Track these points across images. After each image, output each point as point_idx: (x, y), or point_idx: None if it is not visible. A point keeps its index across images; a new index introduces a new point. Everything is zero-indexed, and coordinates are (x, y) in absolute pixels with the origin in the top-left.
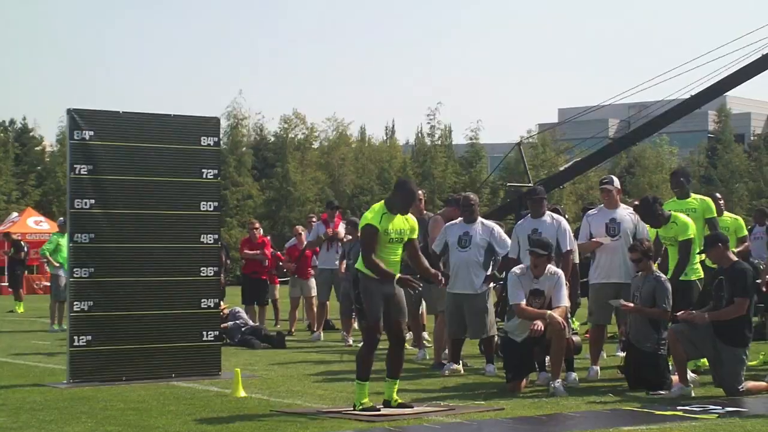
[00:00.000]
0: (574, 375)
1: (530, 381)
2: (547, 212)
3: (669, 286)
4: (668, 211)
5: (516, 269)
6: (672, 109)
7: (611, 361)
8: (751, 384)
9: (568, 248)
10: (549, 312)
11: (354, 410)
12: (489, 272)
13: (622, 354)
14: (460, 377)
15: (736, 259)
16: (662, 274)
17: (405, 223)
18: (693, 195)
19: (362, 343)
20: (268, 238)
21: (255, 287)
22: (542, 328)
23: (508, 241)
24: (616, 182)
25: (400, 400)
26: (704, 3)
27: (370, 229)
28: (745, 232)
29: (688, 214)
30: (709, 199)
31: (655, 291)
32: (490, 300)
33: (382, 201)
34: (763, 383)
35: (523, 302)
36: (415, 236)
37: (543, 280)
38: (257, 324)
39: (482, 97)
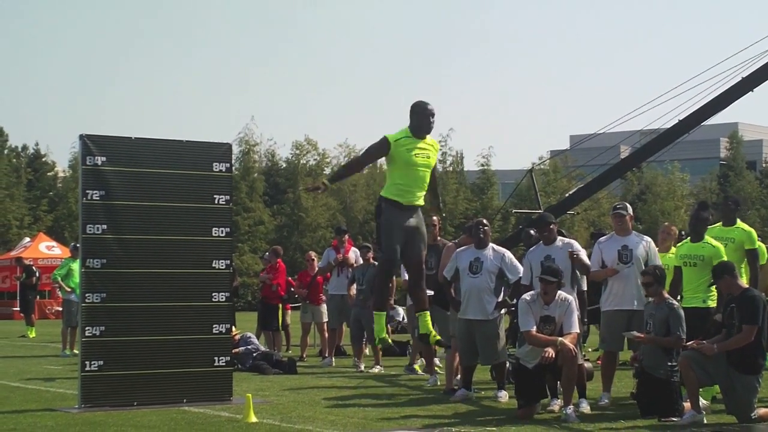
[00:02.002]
0: (585, 402)
1: (542, 407)
2: (558, 237)
3: (682, 313)
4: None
5: (526, 296)
6: (658, 137)
7: (624, 386)
8: (763, 411)
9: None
10: (560, 339)
11: None
12: (500, 298)
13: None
14: (471, 403)
15: (746, 286)
16: (675, 301)
17: (429, 145)
18: (738, 221)
19: (377, 273)
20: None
21: (268, 312)
22: (553, 355)
23: (520, 267)
24: (629, 209)
25: (438, 337)
26: (718, 25)
27: (382, 140)
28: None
29: (726, 245)
30: (752, 230)
31: (669, 318)
32: (501, 326)
33: (407, 126)
34: None
35: (534, 329)
36: (435, 161)
37: (553, 307)
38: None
39: (494, 124)
